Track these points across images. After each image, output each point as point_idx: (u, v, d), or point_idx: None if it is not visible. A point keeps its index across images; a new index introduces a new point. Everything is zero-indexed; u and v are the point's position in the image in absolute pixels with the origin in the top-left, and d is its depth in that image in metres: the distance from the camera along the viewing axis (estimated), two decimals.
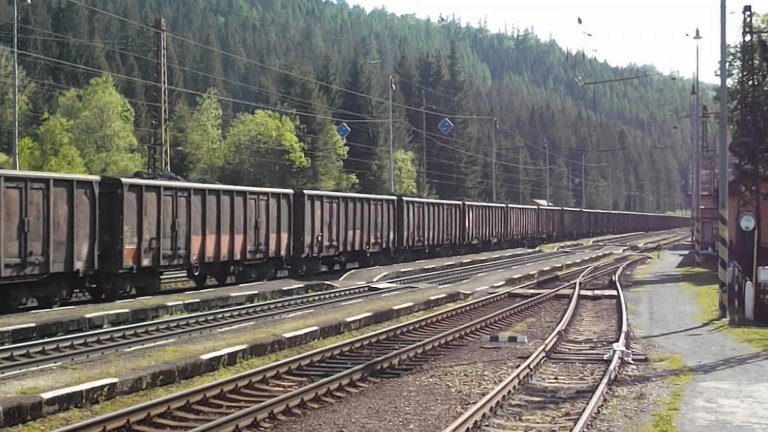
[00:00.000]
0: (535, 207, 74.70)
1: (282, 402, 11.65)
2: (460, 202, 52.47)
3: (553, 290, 28.86)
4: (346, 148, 74.91)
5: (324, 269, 37.02)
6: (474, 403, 11.78)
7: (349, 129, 66.79)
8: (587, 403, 11.61)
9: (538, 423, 11.11)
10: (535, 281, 34.03)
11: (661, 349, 16.97)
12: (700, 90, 57.98)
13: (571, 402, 12.26)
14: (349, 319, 19.98)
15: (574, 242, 78.90)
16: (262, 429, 10.87)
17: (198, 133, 69.80)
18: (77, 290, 23.97)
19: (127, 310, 21.09)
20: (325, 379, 12.99)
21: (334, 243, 35.56)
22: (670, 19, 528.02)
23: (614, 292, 27.60)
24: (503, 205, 63.10)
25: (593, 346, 17.59)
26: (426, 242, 46.08)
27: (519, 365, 14.39)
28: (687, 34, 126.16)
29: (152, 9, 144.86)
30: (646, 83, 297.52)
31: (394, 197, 42.71)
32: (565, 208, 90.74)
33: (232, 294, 25.70)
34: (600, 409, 11.63)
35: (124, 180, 24.68)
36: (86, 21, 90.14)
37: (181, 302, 23.19)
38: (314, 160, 72.43)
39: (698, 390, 12.84)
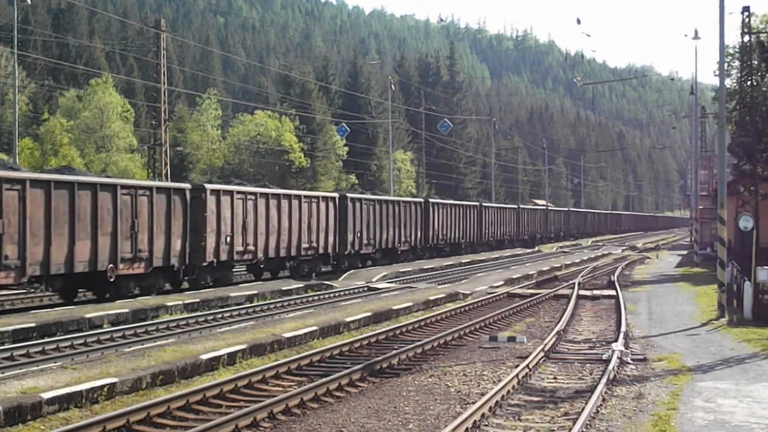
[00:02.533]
0: (516, 206, 68.66)
1: (281, 402, 11.67)
2: (422, 200, 47.62)
3: (552, 290, 28.87)
4: (346, 148, 75.04)
5: (251, 278, 33.10)
6: (473, 402, 11.81)
7: (348, 129, 66.80)
8: (586, 403, 11.64)
9: (537, 423, 11.14)
10: (534, 281, 34.05)
11: (660, 349, 17.00)
12: (698, 90, 57.97)
13: (570, 402, 12.28)
14: (348, 319, 20.01)
15: (573, 243, 78.79)
16: (261, 429, 10.89)
17: (198, 134, 69.87)
18: None
19: (127, 310, 21.09)
20: (324, 379, 13.01)
21: (251, 248, 30.25)
22: (669, 19, 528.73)
23: (613, 292, 27.62)
24: (476, 203, 58.08)
25: (592, 346, 17.62)
26: (378, 246, 40.62)
27: (518, 365, 14.41)
28: (686, 35, 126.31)
29: (152, 9, 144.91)
30: (645, 84, 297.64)
31: (336, 195, 37.92)
32: (551, 208, 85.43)
33: (232, 294, 25.72)
34: (599, 408, 11.65)
35: None
36: (86, 21, 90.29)
37: (180, 302, 23.21)
38: (314, 160, 72.53)
39: (697, 390, 12.87)
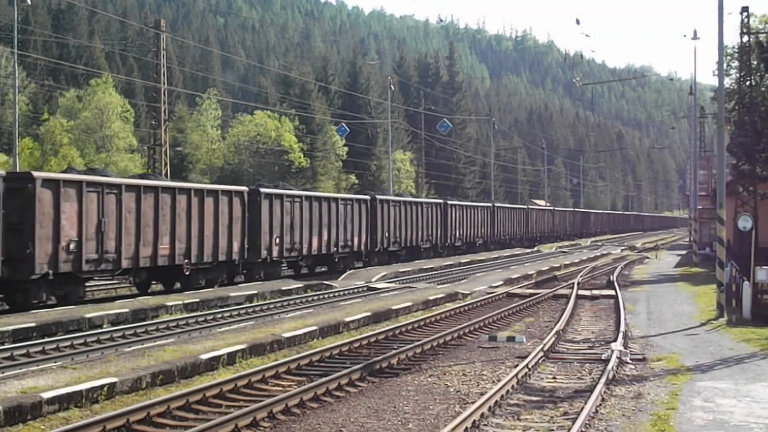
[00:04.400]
0: (525, 207, 72.10)
1: (281, 402, 11.69)
2: (441, 202, 50.31)
3: (551, 290, 28.88)
4: (345, 148, 75.05)
5: (291, 273, 35.44)
6: (473, 402, 11.82)
7: (348, 129, 66.76)
8: (585, 403, 11.65)
9: (536, 422, 11.15)
10: (533, 281, 34.06)
11: (659, 348, 17.01)
12: (697, 91, 57.91)
13: (570, 401, 12.29)
14: (348, 319, 20.02)
15: (572, 242, 78.90)
16: (261, 428, 10.90)
17: (197, 134, 69.86)
18: None
19: (126, 310, 21.13)
20: (324, 379, 13.03)
21: (297, 246, 33.19)
22: (668, 20, 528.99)
23: (612, 292, 27.64)
24: (489, 204, 60.71)
25: (591, 345, 17.63)
26: (403, 244, 43.61)
27: (517, 365, 14.42)
28: (685, 35, 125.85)
29: (152, 10, 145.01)
30: (644, 84, 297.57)
31: (367, 197, 40.50)
32: (557, 208, 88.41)
33: (232, 294, 25.76)
34: (598, 408, 11.67)
35: None
36: (86, 22, 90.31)
37: (180, 302, 23.24)
38: (313, 160, 72.54)
39: (696, 389, 12.89)
